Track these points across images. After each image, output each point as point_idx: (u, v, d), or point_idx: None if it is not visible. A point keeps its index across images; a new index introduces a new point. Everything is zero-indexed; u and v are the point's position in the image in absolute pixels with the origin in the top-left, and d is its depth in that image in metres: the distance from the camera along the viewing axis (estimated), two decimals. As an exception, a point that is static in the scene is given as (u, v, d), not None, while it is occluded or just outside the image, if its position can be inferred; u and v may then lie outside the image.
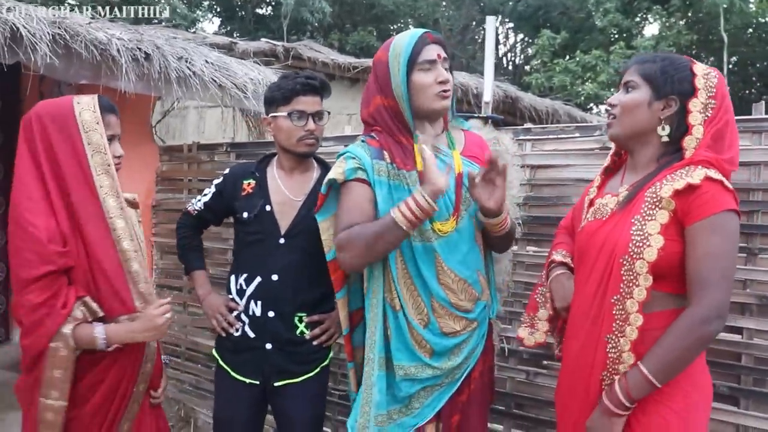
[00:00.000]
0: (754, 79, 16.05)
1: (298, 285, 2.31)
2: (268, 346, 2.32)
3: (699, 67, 1.68)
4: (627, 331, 1.61)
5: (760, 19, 14.42)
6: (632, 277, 1.61)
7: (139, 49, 3.28)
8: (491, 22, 2.54)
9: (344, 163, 1.97)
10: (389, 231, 1.82)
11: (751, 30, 14.80)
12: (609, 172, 1.89)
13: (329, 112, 2.40)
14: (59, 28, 3.04)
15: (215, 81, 3.58)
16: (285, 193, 2.36)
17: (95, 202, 1.88)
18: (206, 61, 3.63)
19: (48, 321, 1.80)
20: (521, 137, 2.62)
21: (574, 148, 2.50)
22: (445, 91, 1.94)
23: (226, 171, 2.52)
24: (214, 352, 2.49)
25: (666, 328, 1.59)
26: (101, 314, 1.88)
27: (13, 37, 2.86)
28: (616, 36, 13.81)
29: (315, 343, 2.34)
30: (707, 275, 1.55)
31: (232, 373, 2.37)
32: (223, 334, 2.40)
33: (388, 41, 2.02)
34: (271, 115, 2.35)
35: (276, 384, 2.33)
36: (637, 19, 14.39)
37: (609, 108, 1.77)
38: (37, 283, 1.79)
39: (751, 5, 13.25)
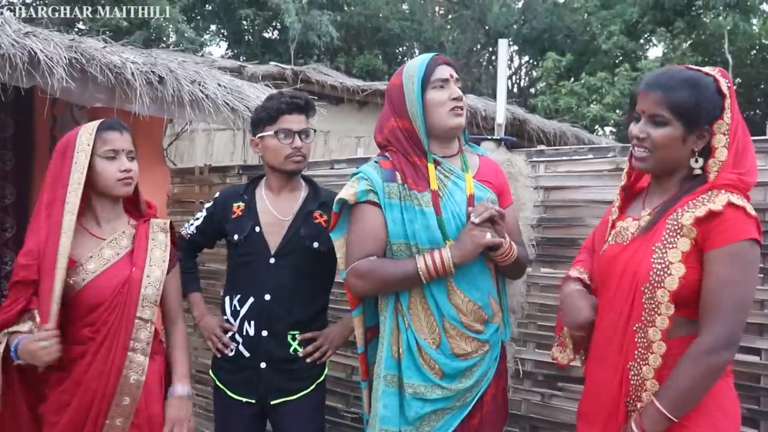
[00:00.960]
0: (759, 100, 16.11)
1: (291, 303, 2.34)
2: (263, 365, 2.34)
3: (723, 84, 1.60)
4: (650, 359, 1.60)
5: (763, 40, 14.54)
6: (654, 306, 1.59)
7: (153, 72, 3.32)
8: (503, 45, 2.57)
9: (356, 184, 2.01)
10: (409, 278, 1.92)
11: (754, 51, 14.91)
12: (628, 191, 1.85)
13: (315, 130, 2.47)
14: (75, 52, 3.08)
15: (227, 104, 3.62)
16: (273, 213, 2.40)
17: (60, 218, 1.98)
18: (218, 84, 3.67)
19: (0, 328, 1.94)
20: (534, 159, 2.64)
21: (588, 169, 2.51)
22: (459, 107, 1.97)
23: (216, 195, 2.57)
24: (210, 372, 2.51)
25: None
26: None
27: (30, 61, 2.90)
28: (621, 58, 13.89)
29: (308, 360, 2.37)
30: (718, 304, 1.52)
31: (229, 393, 2.39)
32: (218, 355, 2.43)
33: (400, 68, 2.06)
34: (258, 135, 2.39)
35: (272, 402, 2.35)
36: (641, 41, 14.51)
37: (637, 141, 1.67)
38: (10, 291, 1.98)
39: (754, 27, 13.36)
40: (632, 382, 1.63)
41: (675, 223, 1.59)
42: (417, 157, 1.99)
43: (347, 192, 2.01)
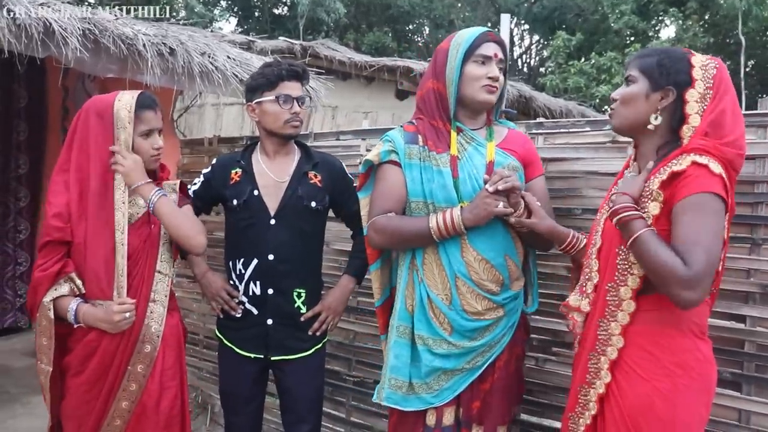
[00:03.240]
0: (770, 82, 15.98)
1: (293, 261, 2.44)
2: (270, 321, 2.45)
3: (697, 59, 1.73)
4: (619, 316, 1.72)
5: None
6: (627, 266, 1.71)
7: (164, 44, 3.39)
8: (506, 20, 2.63)
9: (381, 146, 2.15)
10: (421, 235, 2.02)
11: (766, 36, 14.75)
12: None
13: (311, 98, 2.54)
14: (89, 23, 3.16)
15: (237, 76, 3.69)
16: (270, 176, 2.48)
17: (106, 193, 2.08)
18: (228, 57, 3.74)
19: (39, 287, 2.03)
20: (533, 131, 2.69)
21: (585, 141, 2.56)
22: (492, 86, 2.06)
23: (214, 161, 2.65)
24: (216, 331, 2.61)
25: (655, 311, 1.68)
26: (83, 292, 2.07)
27: (45, 31, 2.98)
28: (632, 38, 13.80)
29: (310, 332, 2.49)
30: (688, 246, 1.56)
31: (237, 350, 2.50)
32: (221, 316, 2.53)
33: (452, 34, 2.17)
34: (255, 101, 2.46)
35: (276, 358, 2.47)
36: (653, 21, 14.38)
37: (611, 101, 1.85)
38: (42, 251, 2.06)
39: (766, 12, 13.21)
40: (600, 337, 1.75)
41: (647, 189, 1.69)
42: (441, 121, 2.10)
43: (372, 153, 2.16)
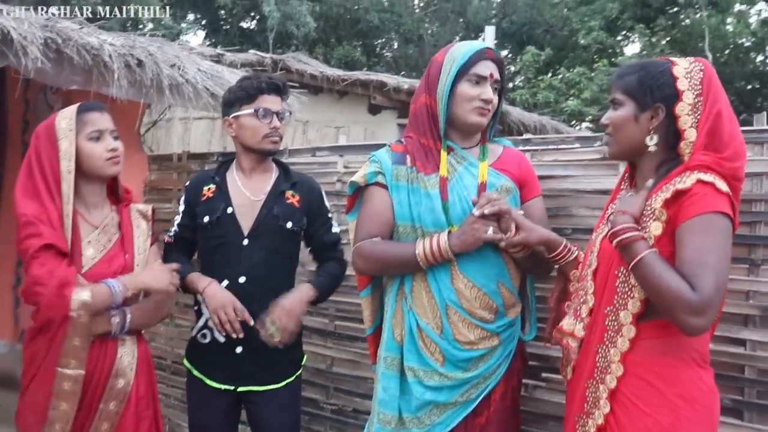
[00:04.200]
0: (732, 98, 16.35)
1: (267, 285, 2.30)
2: (239, 349, 2.30)
3: (679, 68, 1.65)
4: (619, 342, 1.62)
5: (737, 39, 14.73)
6: (627, 289, 1.62)
7: (132, 55, 3.24)
8: (490, 33, 2.55)
9: (367, 167, 2.05)
10: (408, 261, 1.93)
11: (728, 51, 15.10)
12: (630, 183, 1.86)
13: (291, 112, 2.43)
14: (51, 31, 2.99)
15: (208, 90, 3.55)
16: (245, 194, 2.36)
17: (59, 207, 1.96)
18: (199, 70, 3.60)
19: (65, 286, 1.86)
20: (520, 148, 2.60)
21: (574, 158, 2.49)
22: (484, 109, 1.96)
23: (187, 183, 2.51)
24: (185, 361, 2.45)
25: (657, 339, 1.60)
26: None
27: (3, 40, 2.81)
28: (599, 54, 14.00)
29: (279, 347, 2.26)
30: (696, 270, 1.48)
31: (207, 381, 2.35)
32: (223, 333, 2.27)
33: (449, 45, 2.06)
34: (232, 115, 2.34)
35: (246, 389, 2.32)
36: (619, 37, 14.64)
37: (603, 128, 1.78)
38: (37, 258, 1.88)
39: (728, 26, 13.54)
40: (598, 364, 1.66)
41: (649, 208, 1.61)
42: (432, 140, 2.00)
43: (358, 175, 2.06)
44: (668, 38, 13.54)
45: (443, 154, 1.99)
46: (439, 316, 1.93)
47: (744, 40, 15.47)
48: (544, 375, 2.52)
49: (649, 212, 1.61)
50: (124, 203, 2.20)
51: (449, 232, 1.90)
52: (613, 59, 12.96)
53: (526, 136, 2.68)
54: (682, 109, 1.62)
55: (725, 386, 2.10)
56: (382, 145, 3.04)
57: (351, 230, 2.16)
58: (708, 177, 1.55)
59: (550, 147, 2.55)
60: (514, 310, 2.03)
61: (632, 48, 15.66)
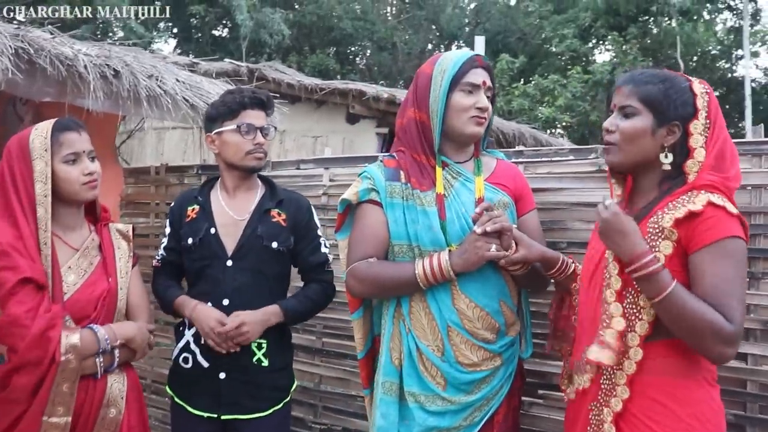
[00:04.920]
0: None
1: (251, 307, 2.19)
2: (222, 375, 2.19)
3: (697, 86, 1.62)
4: (625, 365, 1.58)
5: (705, 47, 15.03)
6: (635, 311, 1.58)
7: (108, 65, 3.13)
8: (480, 43, 2.50)
9: (359, 183, 1.96)
10: (407, 282, 1.85)
11: (696, 57, 15.39)
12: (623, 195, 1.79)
13: (275, 128, 2.36)
14: (22, 41, 2.87)
15: (187, 101, 3.45)
16: (229, 213, 2.28)
17: (34, 232, 1.84)
18: (177, 80, 3.49)
19: (51, 329, 1.74)
20: (513, 160, 2.56)
21: (569, 171, 2.44)
22: (481, 118, 1.89)
23: (172, 204, 2.42)
24: (167, 388, 2.34)
25: (666, 358, 1.56)
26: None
27: (-29, 50, 2.68)
28: (572, 61, 14.14)
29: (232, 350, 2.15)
30: (724, 300, 1.47)
31: (189, 408, 2.23)
32: (224, 352, 2.16)
33: (435, 56, 1.98)
34: (215, 131, 2.26)
35: (231, 417, 2.21)
36: (590, 45, 14.81)
37: (605, 133, 1.69)
38: (15, 295, 1.73)
39: (697, 34, 13.79)
40: (603, 387, 1.61)
41: (656, 225, 1.56)
42: (425, 155, 1.93)
43: (350, 192, 1.96)
44: (639, 46, 13.72)
45: (438, 169, 1.92)
46: (440, 338, 1.86)
47: (710, 48, 15.81)
48: (540, 392, 2.47)
49: (657, 230, 1.56)
50: (103, 222, 2.08)
51: (449, 251, 1.83)
52: (587, 67, 13.08)
53: (518, 148, 2.64)
54: (696, 127, 1.58)
55: (728, 401, 2.06)
56: (369, 158, 3.00)
57: (341, 249, 2.07)
58: (718, 199, 1.52)
59: (544, 159, 2.50)
60: (514, 328, 1.97)
61: (604, 56, 15.91)
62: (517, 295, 2.00)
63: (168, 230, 2.36)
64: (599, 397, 1.63)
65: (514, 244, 1.82)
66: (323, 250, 2.37)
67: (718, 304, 1.46)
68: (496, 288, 1.91)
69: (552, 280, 1.99)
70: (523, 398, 2.51)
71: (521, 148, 2.62)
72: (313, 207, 2.45)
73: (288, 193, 2.39)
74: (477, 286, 1.86)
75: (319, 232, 2.39)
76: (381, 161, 2.00)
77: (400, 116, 2.02)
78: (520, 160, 2.55)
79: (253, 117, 2.24)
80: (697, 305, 1.46)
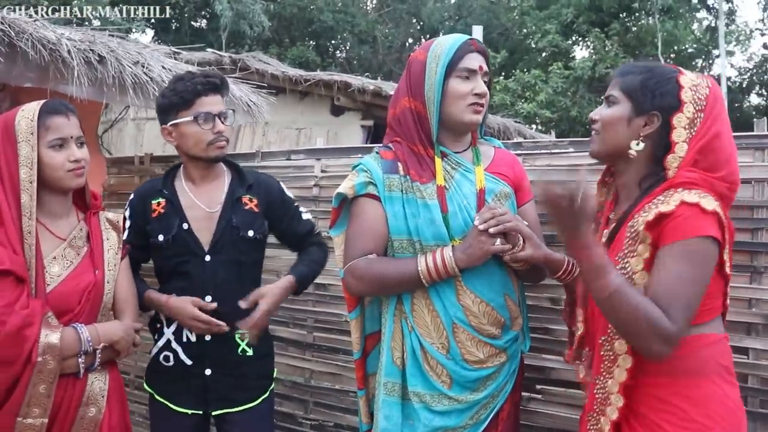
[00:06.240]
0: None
1: (234, 301, 2.11)
2: (208, 371, 2.14)
3: (687, 78, 1.57)
4: (616, 373, 1.53)
5: (682, 45, 15.19)
6: None
7: (92, 51, 3.02)
8: (478, 32, 2.44)
9: (355, 176, 1.87)
10: (409, 279, 1.79)
11: (674, 54, 15.56)
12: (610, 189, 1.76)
13: (234, 110, 2.26)
14: (2, 23, 2.75)
15: (173, 89, 3.35)
16: (200, 206, 2.18)
17: (17, 221, 1.75)
18: (163, 67, 3.40)
19: (27, 328, 1.66)
20: (512, 152, 2.53)
21: (568, 163, 2.41)
22: (479, 104, 1.82)
23: (131, 196, 2.26)
24: (145, 385, 2.27)
25: (676, 359, 1.49)
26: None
27: (-51, 33, 2.57)
28: (554, 57, 14.20)
29: (242, 329, 2.11)
30: (671, 299, 1.43)
31: (172, 406, 2.16)
32: (209, 334, 2.12)
33: (428, 42, 1.89)
34: (170, 123, 2.13)
35: (218, 412, 2.17)
36: (570, 41, 14.88)
37: (591, 122, 1.68)
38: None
39: (678, 31, 13.93)
40: (597, 396, 1.58)
41: (632, 230, 1.53)
42: (422, 146, 1.85)
43: (346, 185, 1.87)
44: (621, 43, 13.82)
45: (438, 160, 1.85)
46: (446, 336, 1.80)
47: (687, 46, 15.99)
48: (538, 387, 2.45)
49: (634, 234, 1.53)
50: (93, 210, 1.99)
51: (452, 247, 1.78)
52: (567, 63, 13.15)
53: (517, 140, 2.60)
54: (680, 120, 1.54)
55: (728, 396, 2.07)
56: (362, 149, 2.94)
57: (336, 245, 1.99)
58: (692, 197, 1.46)
59: (543, 151, 2.47)
60: (518, 322, 1.93)
61: (584, 52, 15.99)
62: (519, 288, 1.97)
63: (128, 225, 2.19)
64: (595, 407, 1.59)
65: (521, 240, 1.78)
66: (306, 216, 2.34)
67: (664, 303, 1.42)
68: (502, 282, 1.86)
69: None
70: (521, 393, 2.49)
71: (520, 140, 2.58)
72: (302, 198, 2.38)
73: (255, 174, 2.31)
74: (482, 281, 1.81)
75: (296, 203, 2.33)
76: (377, 152, 1.92)
77: (392, 106, 1.94)
78: (519, 151, 2.51)
79: (209, 104, 2.11)
80: (641, 301, 1.42)
